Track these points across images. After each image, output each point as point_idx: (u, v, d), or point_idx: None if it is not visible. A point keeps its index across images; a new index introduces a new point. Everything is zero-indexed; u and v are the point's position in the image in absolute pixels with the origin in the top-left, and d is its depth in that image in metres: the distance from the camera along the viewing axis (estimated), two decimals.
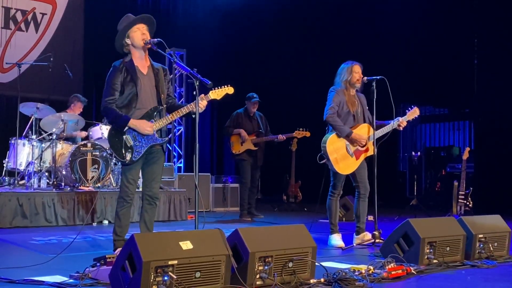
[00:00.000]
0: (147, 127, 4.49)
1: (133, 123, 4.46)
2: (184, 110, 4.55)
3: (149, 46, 4.54)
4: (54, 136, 7.53)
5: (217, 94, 4.62)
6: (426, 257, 4.38)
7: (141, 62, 4.62)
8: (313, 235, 4.01)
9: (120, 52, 4.65)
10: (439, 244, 4.46)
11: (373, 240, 5.49)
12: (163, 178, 8.65)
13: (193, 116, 4.31)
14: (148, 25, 4.60)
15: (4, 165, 7.69)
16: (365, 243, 5.55)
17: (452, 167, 10.71)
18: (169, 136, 10.93)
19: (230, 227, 6.48)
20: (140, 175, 4.77)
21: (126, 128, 4.48)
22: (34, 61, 9.04)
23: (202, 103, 4.43)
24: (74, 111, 8.26)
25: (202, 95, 4.48)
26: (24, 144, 7.61)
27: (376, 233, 5.48)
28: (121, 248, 4.15)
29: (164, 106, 4.65)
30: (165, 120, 4.59)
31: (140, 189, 4.89)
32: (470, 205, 7.98)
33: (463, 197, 7.94)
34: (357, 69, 5.64)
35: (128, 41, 4.59)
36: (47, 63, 8.08)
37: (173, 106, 4.73)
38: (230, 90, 4.66)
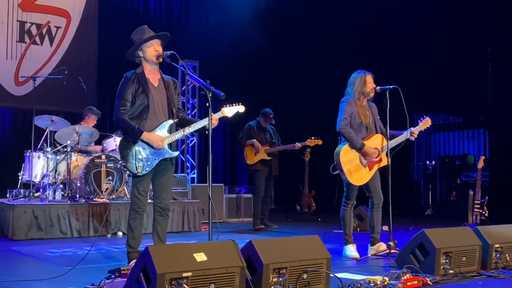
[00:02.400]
0: (160, 141, 4.51)
1: (146, 136, 4.48)
2: (196, 126, 4.59)
3: (162, 59, 4.58)
4: (69, 148, 7.58)
5: (228, 111, 4.68)
6: (442, 267, 4.35)
7: (152, 74, 4.66)
8: (327, 246, 3.99)
9: (130, 60, 4.69)
10: (455, 255, 4.42)
11: (388, 251, 5.45)
12: (176, 189, 8.70)
13: (206, 132, 4.32)
14: (162, 40, 4.65)
15: (19, 177, 7.74)
16: (380, 253, 5.51)
17: (467, 175, 10.62)
18: (182, 148, 10.97)
19: (244, 238, 6.48)
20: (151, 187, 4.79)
21: (138, 140, 4.51)
22: (48, 74, 9.12)
23: (214, 119, 4.46)
24: (88, 124, 8.32)
25: (214, 115, 4.49)
26: (39, 157, 7.67)
27: (391, 243, 5.45)
28: (135, 260, 4.15)
29: (176, 120, 4.68)
30: (177, 134, 4.62)
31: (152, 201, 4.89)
32: (486, 215, 7.90)
33: (478, 206, 7.87)
34: (370, 79, 5.63)
35: (140, 53, 4.63)
36: (61, 76, 8.16)
37: (183, 119, 4.77)
38: (241, 108, 4.74)
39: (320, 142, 8.27)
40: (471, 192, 7.96)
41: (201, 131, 4.67)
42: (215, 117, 4.53)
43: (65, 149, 7.68)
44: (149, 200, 5.18)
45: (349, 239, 5.63)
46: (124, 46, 4.71)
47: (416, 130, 5.70)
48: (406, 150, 12.43)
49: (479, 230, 4.76)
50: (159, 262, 3.13)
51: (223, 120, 12.98)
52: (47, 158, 7.61)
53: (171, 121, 4.63)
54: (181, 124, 4.72)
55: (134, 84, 4.53)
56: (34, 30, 10.01)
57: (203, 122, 4.56)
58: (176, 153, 4.67)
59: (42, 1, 10.10)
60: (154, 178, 4.66)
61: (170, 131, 4.62)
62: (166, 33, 4.70)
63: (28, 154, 7.74)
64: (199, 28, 12.27)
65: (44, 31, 10.12)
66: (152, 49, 4.59)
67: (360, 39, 11.76)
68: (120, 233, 7.28)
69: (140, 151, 4.52)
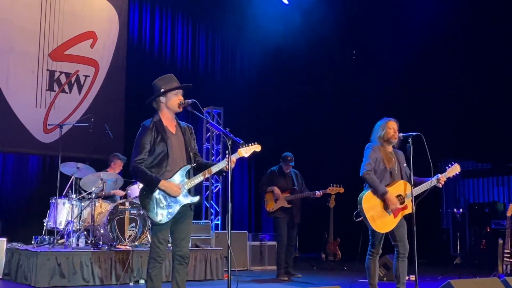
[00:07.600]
0: (177, 189, 4.50)
1: (163, 184, 4.47)
2: (214, 169, 4.60)
3: (183, 108, 4.63)
4: (93, 195, 7.63)
5: (245, 152, 4.68)
6: None
7: (170, 121, 4.70)
8: None
9: (148, 104, 4.74)
10: None
11: None
12: (199, 236, 8.64)
13: (223, 174, 4.33)
14: (185, 91, 4.72)
15: (44, 224, 7.79)
16: None
17: (497, 223, 10.31)
18: (206, 194, 10.96)
19: None
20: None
21: (156, 188, 4.50)
22: (75, 122, 9.25)
23: (231, 161, 4.48)
24: (115, 170, 8.41)
25: (232, 157, 4.52)
26: (64, 204, 7.73)
27: None
28: None
29: (194, 164, 4.69)
30: (196, 179, 4.61)
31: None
32: None
33: (508, 255, 7.61)
34: (391, 124, 5.58)
35: (163, 100, 4.67)
36: (88, 124, 8.29)
37: (201, 164, 4.76)
38: (257, 147, 4.73)
39: (341, 190, 8.13)
40: (500, 241, 7.72)
41: (220, 173, 4.69)
42: (233, 159, 4.55)
43: (89, 196, 7.73)
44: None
45: None
46: (151, 94, 4.76)
47: (443, 176, 5.57)
48: (435, 197, 12.26)
49: (507, 281, 4.59)
50: None
51: (247, 166, 12.94)
52: (72, 204, 7.66)
53: (188, 166, 4.63)
54: (198, 168, 4.70)
55: (152, 133, 4.56)
56: (63, 78, 10.22)
57: (221, 165, 4.59)
58: (196, 198, 4.65)
59: (71, 51, 10.35)
60: (173, 226, 4.62)
61: (189, 176, 4.62)
62: (190, 84, 4.77)
63: (53, 200, 7.81)
64: (224, 76, 12.45)
65: (73, 79, 10.33)
66: (177, 99, 4.64)
67: (385, 85, 11.75)
68: (142, 281, 7.21)
69: (160, 199, 4.50)
